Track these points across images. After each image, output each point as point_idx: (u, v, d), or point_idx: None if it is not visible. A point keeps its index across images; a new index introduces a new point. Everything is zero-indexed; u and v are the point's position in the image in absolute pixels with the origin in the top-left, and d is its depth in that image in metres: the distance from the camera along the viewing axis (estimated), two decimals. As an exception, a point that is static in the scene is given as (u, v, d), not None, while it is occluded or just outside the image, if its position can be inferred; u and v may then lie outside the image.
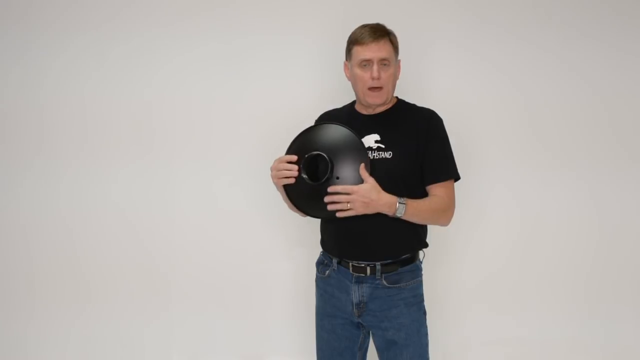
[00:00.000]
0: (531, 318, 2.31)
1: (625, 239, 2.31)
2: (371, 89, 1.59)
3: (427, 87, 2.14)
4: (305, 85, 2.20)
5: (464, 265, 2.28)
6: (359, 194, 1.47)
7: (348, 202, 1.47)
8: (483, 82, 2.22)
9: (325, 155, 1.51)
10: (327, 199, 1.49)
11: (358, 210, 1.48)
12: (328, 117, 1.77)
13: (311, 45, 2.19)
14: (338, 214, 1.49)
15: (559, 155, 2.26)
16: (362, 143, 1.56)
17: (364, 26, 1.60)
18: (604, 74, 2.24)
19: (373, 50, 1.56)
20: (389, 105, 1.67)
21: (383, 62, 1.57)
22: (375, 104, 1.62)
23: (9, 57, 2.23)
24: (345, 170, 1.52)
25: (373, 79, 1.56)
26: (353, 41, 1.60)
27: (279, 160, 1.57)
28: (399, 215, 1.52)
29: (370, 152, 1.59)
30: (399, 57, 1.66)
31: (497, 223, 2.27)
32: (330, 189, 1.49)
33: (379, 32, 1.57)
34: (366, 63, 1.58)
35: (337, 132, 1.57)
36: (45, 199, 2.27)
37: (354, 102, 1.76)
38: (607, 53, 2.24)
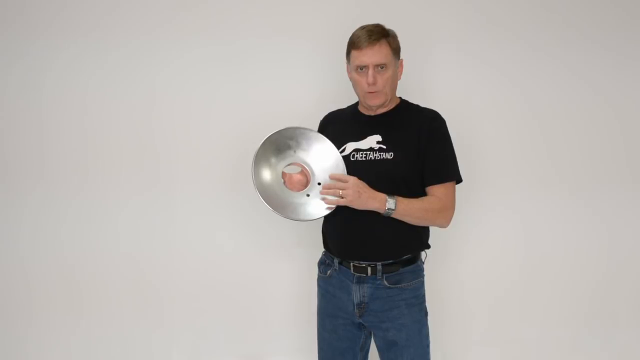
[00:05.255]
0: (532, 319, 2.31)
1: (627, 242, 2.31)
2: (369, 92, 1.60)
3: (431, 87, 2.13)
4: (307, 86, 2.19)
5: (465, 267, 2.28)
6: (353, 183, 1.53)
7: (341, 192, 1.53)
8: (486, 84, 2.20)
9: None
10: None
11: (350, 198, 1.51)
12: (332, 118, 1.78)
13: (311, 46, 2.17)
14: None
15: (562, 157, 2.25)
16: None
17: (362, 28, 1.59)
18: (607, 77, 2.23)
19: (368, 55, 1.55)
20: (392, 106, 1.68)
21: (379, 67, 1.57)
22: (374, 105, 1.63)
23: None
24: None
25: (369, 84, 1.57)
26: (351, 44, 1.60)
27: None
28: (390, 210, 1.52)
29: (371, 152, 1.61)
30: (402, 57, 1.65)
31: (499, 224, 2.26)
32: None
33: (375, 36, 1.55)
34: (362, 68, 1.58)
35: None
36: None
37: (357, 103, 1.76)
38: (609, 54, 2.23)
